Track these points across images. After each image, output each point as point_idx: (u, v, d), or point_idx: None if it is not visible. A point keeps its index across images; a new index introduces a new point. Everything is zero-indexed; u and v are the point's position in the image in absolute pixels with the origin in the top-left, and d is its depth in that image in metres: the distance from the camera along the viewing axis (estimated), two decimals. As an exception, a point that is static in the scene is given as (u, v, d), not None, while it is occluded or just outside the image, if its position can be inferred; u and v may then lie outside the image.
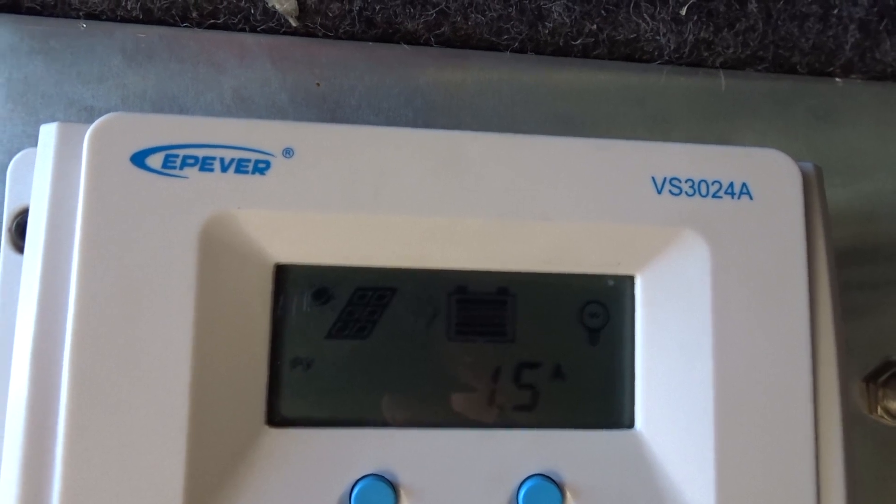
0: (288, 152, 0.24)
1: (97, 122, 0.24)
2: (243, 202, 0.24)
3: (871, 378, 0.35)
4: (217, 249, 0.24)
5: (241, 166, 0.24)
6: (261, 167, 0.24)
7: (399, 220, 0.25)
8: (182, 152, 0.24)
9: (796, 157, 0.27)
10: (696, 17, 0.35)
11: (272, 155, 0.24)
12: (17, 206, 0.28)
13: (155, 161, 0.23)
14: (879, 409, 0.35)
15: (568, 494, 0.25)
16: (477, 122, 0.34)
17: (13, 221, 0.28)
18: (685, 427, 0.25)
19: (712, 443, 0.25)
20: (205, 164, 0.24)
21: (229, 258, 0.24)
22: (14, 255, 0.28)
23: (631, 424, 0.26)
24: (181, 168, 0.24)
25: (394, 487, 0.24)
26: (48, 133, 0.25)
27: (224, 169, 0.24)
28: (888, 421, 0.34)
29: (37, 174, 0.25)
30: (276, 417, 0.25)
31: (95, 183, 0.23)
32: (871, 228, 0.37)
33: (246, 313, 0.24)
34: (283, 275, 0.25)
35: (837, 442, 0.26)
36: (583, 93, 0.35)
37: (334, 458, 0.24)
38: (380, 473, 0.24)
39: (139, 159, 0.23)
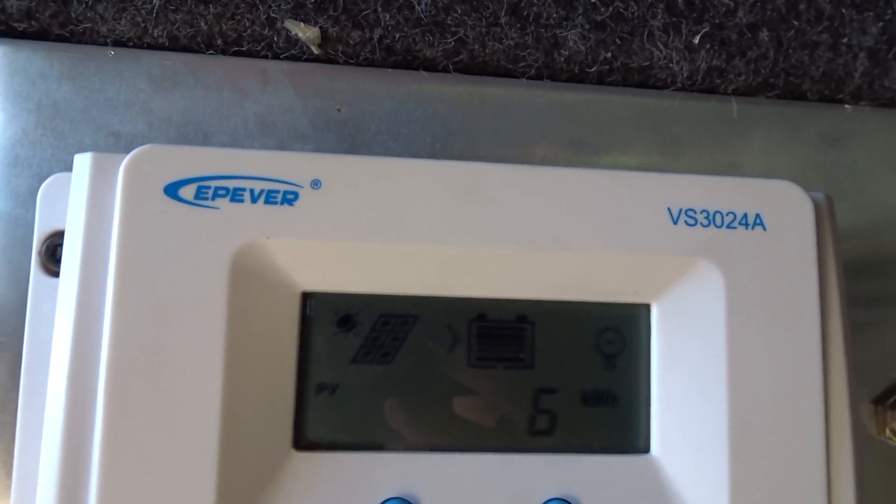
0: (315, 184, 0.25)
1: (132, 153, 0.24)
2: (272, 232, 0.24)
3: (880, 400, 0.36)
4: (247, 277, 0.24)
5: (270, 197, 0.25)
6: (289, 198, 0.25)
7: (422, 250, 0.25)
8: (214, 184, 0.24)
9: (807, 183, 0.28)
10: (708, 46, 0.36)
11: (300, 186, 0.25)
12: (48, 230, 0.29)
13: (187, 192, 0.24)
14: (888, 430, 0.35)
15: (586, 518, 0.25)
16: (494, 147, 0.35)
17: (43, 244, 0.29)
18: (700, 452, 0.26)
19: (727, 467, 0.25)
20: (235, 195, 0.24)
21: (258, 286, 0.25)
22: (44, 277, 0.29)
23: (647, 449, 0.27)
24: (213, 199, 0.24)
25: (417, 510, 0.25)
26: (82, 163, 0.25)
27: (254, 200, 0.24)
28: (896, 443, 0.35)
29: (71, 203, 0.25)
30: (303, 441, 0.25)
31: (130, 213, 0.24)
32: (879, 252, 0.37)
33: (274, 339, 0.25)
34: (310, 302, 0.26)
35: (848, 464, 0.26)
36: (597, 118, 0.36)
37: (359, 481, 0.25)
38: (403, 496, 0.25)
39: (172, 190, 0.24)
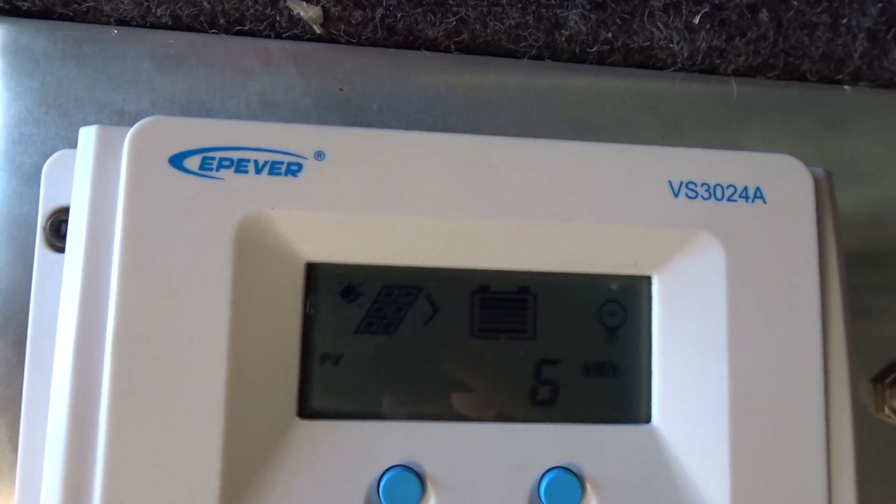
0: (319, 155, 0.25)
1: (137, 125, 0.25)
2: (276, 203, 0.25)
3: (879, 379, 0.36)
4: (251, 248, 0.25)
5: (274, 168, 0.25)
6: (293, 169, 0.25)
7: (425, 221, 0.25)
8: (218, 154, 0.25)
9: (806, 163, 0.28)
10: (708, 26, 0.36)
11: (304, 158, 0.25)
12: (52, 206, 0.29)
13: (192, 163, 0.24)
14: (887, 409, 0.35)
15: (588, 486, 0.25)
16: (494, 127, 0.35)
17: (48, 221, 0.29)
18: (700, 422, 0.26)
19: (727, 437, 0.26)
20: (240, 166, 0.25)
21: (263, 257, 0.25)
22: (49, 253, 0.29)
23: (648, 419, 0.27)
24: (217, 170, 0.24)
25: (420, 478, 0.25)
26: (87, 136, 0.26)
27: (258, 171, 0.25)
28: (895, 421, 0.35)
29: (77, 175, 0.25)
30: (307, 410, 0.25)
31: (135, 184, 0.24)
32: (879, 233, 0.37)
33: (278, 310, 0.25)
34: (314, 273, 0.26)
35: (847, 437, 0.26)
36: (598, 99, 0.36)
37: (363, 449, 0.25)
38: (407, 464, 0.25)
39: (177, 161, 0.24)
